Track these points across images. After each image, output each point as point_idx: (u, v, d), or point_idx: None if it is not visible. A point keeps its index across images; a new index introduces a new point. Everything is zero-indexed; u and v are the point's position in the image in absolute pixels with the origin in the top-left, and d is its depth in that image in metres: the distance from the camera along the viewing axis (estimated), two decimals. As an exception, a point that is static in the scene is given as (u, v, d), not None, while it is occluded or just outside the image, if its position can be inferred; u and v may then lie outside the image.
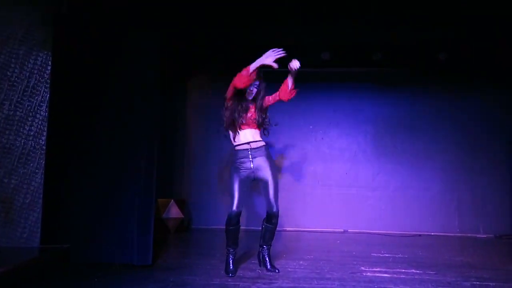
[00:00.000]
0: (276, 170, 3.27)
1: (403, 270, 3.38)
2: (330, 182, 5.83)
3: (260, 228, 3.34)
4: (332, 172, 5.87)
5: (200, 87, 6.10)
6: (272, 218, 3.19)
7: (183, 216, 5.38)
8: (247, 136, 3.25)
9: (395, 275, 3.21)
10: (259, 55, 5.56)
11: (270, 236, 3.29)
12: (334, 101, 5.92)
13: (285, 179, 5.89)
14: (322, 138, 5.90)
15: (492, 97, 5.76)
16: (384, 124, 5.86)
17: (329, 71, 5.74)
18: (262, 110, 3.29)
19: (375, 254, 4.08)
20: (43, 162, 3.39)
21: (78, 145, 3.43)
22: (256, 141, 3.26)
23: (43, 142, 3.41)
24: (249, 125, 3.26)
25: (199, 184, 5.92)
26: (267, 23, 4.70)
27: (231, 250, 3.26)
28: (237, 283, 2.92)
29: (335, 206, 5.80)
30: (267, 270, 3.23)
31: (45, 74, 3.45)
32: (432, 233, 5.57)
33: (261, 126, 3.32)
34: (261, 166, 3.18)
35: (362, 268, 3.45)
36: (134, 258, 3.32)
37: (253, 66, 3.03)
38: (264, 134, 3.37)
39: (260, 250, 3.36)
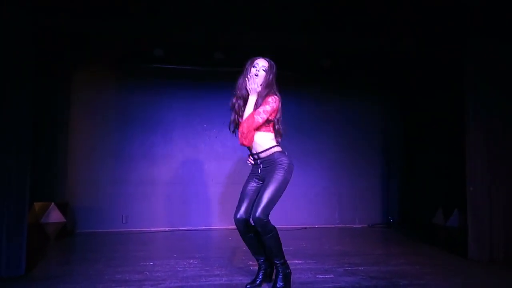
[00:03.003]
0: (283, 179, 2.72)
1: (288, 262, 3.59)
2: (223, 180, 5.93)
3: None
4: (225, 170, 5.97)
5: (86, 81, 5.68)
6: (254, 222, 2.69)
7: (65, 220, 4.96)
8: (254, 144, 2.78)
9: (280, 267, 3.39)
10: (152, 48, 5.38)
11: (268, 248, 2.74)
12: (227, 100, 6.00)
13: (178, 178, 5.83)
14: (216, 137, 5.97)
15: (371, 103, 6.46)
16: (275, 124, 6.14)
17: (222, 71, 5.83)
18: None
19: (263, 248, 4.26)
20: None
21: None
22: (265, 150, 2.77)
23: None
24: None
25: (84, 185, 5.51)
26: (157, 17, 4.57)
27: (256, 261, 2.90)
28: (122, 287, 2.80)
29: (228, 203, 5.88)
30: None
31: None
32: (316, 226, 6.03)
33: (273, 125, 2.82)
34: (271, 171, 2.73)
35: (250, 262, 3.58)
36: (3, 269, 2.97)
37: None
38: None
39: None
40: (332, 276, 3.12)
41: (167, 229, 5.59)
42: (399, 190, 6.49)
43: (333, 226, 6.09)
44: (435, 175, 6.05)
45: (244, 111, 2.80)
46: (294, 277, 3.07)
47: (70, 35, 4.97)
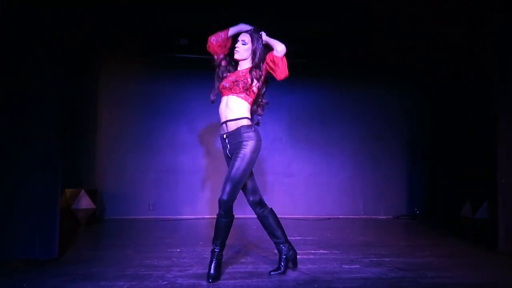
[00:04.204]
0: (250, 159, 2.67)
1: (312, 251, 3.62)
2: (248, 170, 5.96)
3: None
4: (250, 160, 5.99)
5: (113, 70, 5.80)
6: (219, 203, 2.71)
7: (94, 207, 5.12)
8: (224, 109, 2.76)
9: (304, 256, 3.41)
10: (177, 38, 5.41)
11: (216, 229, 2.77)
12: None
13: (202, 166, 5.90)
14: (240, 127, 5.99)
15: (394, 92, 6.35)
16: (298, 113, 6.14)
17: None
18: (257, 76, 2.73)
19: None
20: None
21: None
22: (234, 120, 2.71)
23: None
24: (231, 90, 2.72)
25: (112, 173, 5.67)
26: (181, 7, 4.59)
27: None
28: (151, 272, 2.88)
29: (252, 193, 5.95)
30: None
31: None
32: (340, 216, 6.01)
33: (250, 94, 2.73)
34: (236, 150, 2.69)
35: (275, 251, 3.59)
36: (37, 252, 3.09)
37: (233, 29, 2.83)
38: (254, 123, 2.78)
39: None
40: (358, 266, 3.10)
41: (192, 217, 5.68)
42: (425, 181, 6.38)
43: (357, 217, 6.06)
44: (463, 166, 5.91)
45: (226, 77, 2.80)
46: (319, 266, 3.09)
47: (98, 27, 5.06)
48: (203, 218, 5.64)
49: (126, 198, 5.66)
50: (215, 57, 2.86)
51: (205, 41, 5.66)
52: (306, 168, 6.13)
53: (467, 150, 5.86)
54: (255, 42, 2.78)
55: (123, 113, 5.77)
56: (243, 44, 2.78)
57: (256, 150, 2.72)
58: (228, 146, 2.75)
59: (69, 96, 4.83)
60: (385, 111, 6.32)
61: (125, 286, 2.57)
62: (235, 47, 2.80)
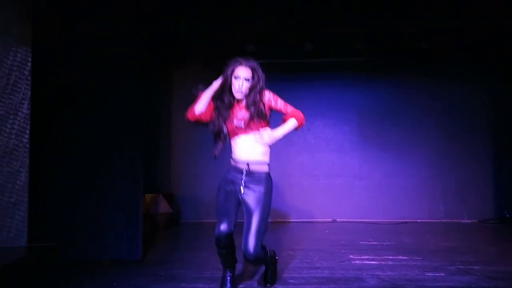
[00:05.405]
0: (269, 201, 2.51)
1: (391, 257, 3.45)
2: (317, 173, 5.88)
3: None
4: (319, 163, 5.91)
5: (185, 79, 6.04)
6: (247, 260, 2.54)
7: (172, 211, 5.38)
8: (244, 151, 2.48)
9: (382, 262, 3.27)
10: (244, 44, 5.52)
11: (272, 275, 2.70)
12: (319, 91, 5.94)
13: (272, 171, 5.91)
14: (309, 129, 5.92)
15: (474, 86, 5.86)
16: (369, 113, 5.91)
17: (313, 62, 5.77)
18: (257, 107, 2.41)
19: (363, 242, 4.14)
20: (27, 161, 3.34)
21: (62, 142, 3.38)
22: (257, 163, 2.48)
23: (26, 140, 3.36)
24: (245, 130, 2.44)
25: (186, 178, 5.90)
26: (249, 14, 4.68)
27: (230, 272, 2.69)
28: (229, 273, 2.93)
29: (323, 196, 5.86)
30: None
31: (25, 71, 3.38)
32: (418, 220, 5.67)
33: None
34: (252, 192, 2.46)
35: (351, 256, 3.50)
36: (124, 253, 3.32)
37: (209, 91, 2.55)
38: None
39: None
40: (442, 274, 2.90)
41: (263, 220, 5.72)
42: (515, 182, 5.79)
43: (437, 220, 5.67)
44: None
45: (232, 115, 2.48)
46: (400, 273, 2.93)
47: (170, 37, 5.33)
48: (275, 222, 5.65)
49: (200, 202, 5.86)
50: (203, 120, 2.59)
51: (271, 46, 5.72)
52: (378, 170, 5.89)
53: None
54: (256, 76, 2.41)
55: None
56: (246, 80, 2.40)
57: (271, 194, 2.53)
58: (244, 184, 2.47)
59: (147, 106, 5.15)
60: (463, 107, 5.84)
61: (204, 288, 2.65)
62: (235, 86, 2.42)
